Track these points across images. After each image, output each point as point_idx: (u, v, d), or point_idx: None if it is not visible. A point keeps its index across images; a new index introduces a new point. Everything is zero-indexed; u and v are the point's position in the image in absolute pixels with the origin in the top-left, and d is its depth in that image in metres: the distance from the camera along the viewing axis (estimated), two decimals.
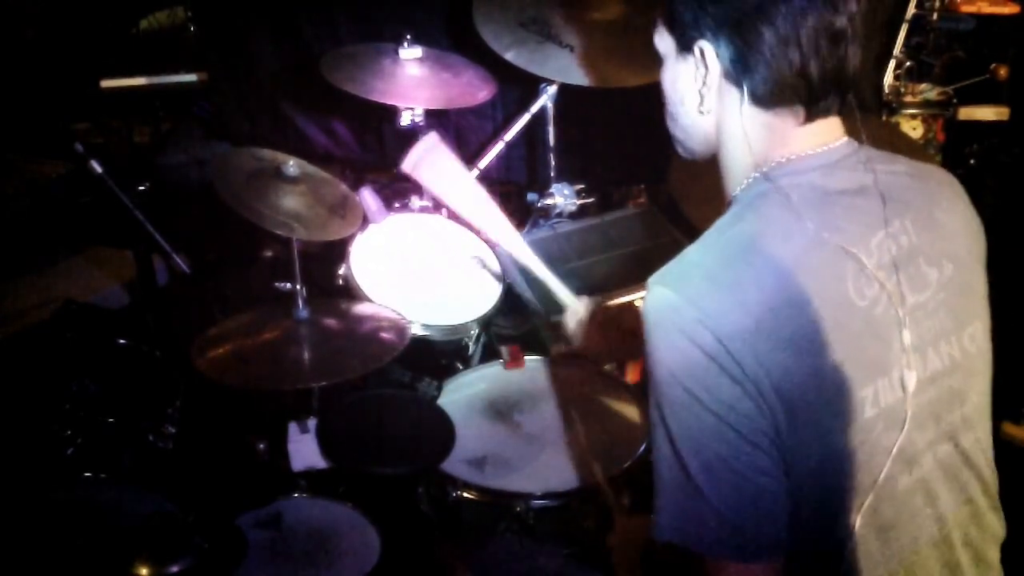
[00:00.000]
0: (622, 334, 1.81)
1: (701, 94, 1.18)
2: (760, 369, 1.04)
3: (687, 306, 1.06)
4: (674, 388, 1.07)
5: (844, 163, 1.17)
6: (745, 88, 1.14)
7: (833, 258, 1.11)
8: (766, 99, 1.14)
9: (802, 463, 1.08)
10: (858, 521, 1.12)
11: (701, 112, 1.20)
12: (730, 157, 1.21)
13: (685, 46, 1.17)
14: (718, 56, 1.14)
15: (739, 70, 1.13)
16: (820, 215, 1.12)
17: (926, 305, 1.17)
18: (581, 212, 2.58)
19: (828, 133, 1.18)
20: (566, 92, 2.56)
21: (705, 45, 1.14)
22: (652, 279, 1.12)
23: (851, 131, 1.21)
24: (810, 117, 1.16)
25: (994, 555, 1.28)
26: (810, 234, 1.10)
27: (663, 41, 1.22)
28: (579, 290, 2.31)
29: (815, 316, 1.07)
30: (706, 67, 1.16)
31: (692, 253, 1.15)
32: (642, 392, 2.08)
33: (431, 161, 1.90)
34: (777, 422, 1.06)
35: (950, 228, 1.23)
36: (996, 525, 1.28)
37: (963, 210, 1.26)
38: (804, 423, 1.07)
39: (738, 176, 1.21)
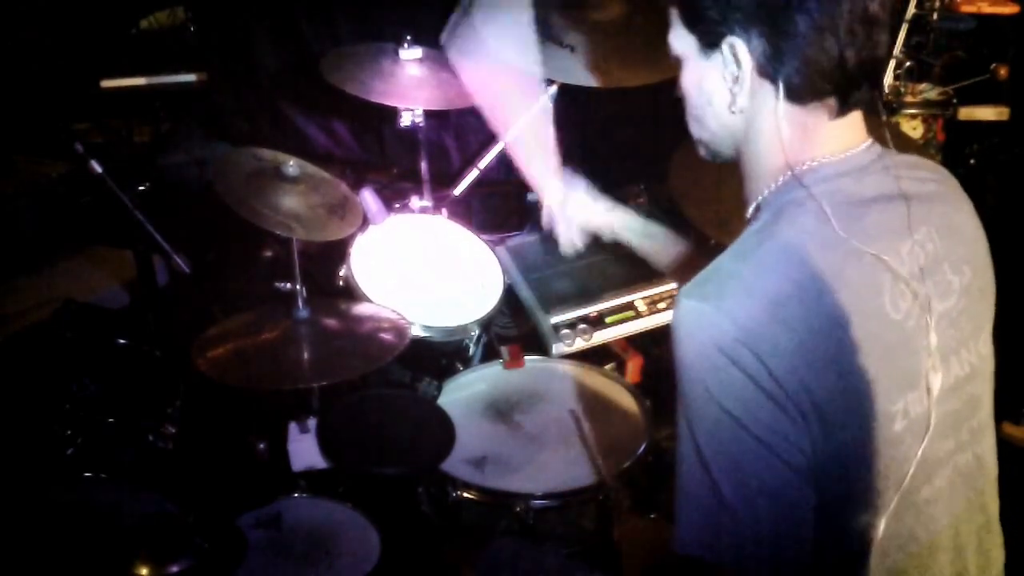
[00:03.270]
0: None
1: (733, 93, 1.13)
2: (801, 388, 1.02)
3: (727, 322, 1.02)
4: (710, 407, 1.04)
5: (872, 168, 1.15)
6: (781, 83, 1.09)
7: (870, 270, 1.09)
8: (802, 92, 1.09)
9: (832, 477, 1.06)
10: (880, 532, 1.10)
11: (732, 112, 1.15)
12: (759, 157, 1.17)
13: (711, 44, 1.12)
14: (750, 51, 1.09)
15: (774, 64, 1.08)
16: (855, 224, 1.09)
17: (950, 313, 1.16)
18: None
19: (855, 134, 1.16)
20: (566, 92, 2.56)
21: (736, 41, 1.09)
22: (684, 291, 1.08)
23: (872, 131, 1.19)
24: (842, 111, 1.12)
25: (999, 558, 1.28)
26: (847, 245, 1.07)
27: (682, 41, 1.17)
28: (579, 290, 2.32)
29: (855, 333, 1.05)
30: (738, 64, 1.11)
31: (726, 263, 1.10)
32: (642, 393, 2.09)
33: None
34: (813, 440, 1.04)
35: (968, 233, 1.22)
36: (1000, 531, 1.28)
37: (974, 214, 1.25)
38: (838, 440, 1.05)
39: (766, 177, 1.16)
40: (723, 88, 1.14)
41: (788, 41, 1.06)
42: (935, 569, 1.17)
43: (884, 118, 1.19)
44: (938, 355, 1.13)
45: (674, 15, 1.17)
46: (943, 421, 1.15)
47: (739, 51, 1.10)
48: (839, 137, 1.15)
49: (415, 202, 2.50)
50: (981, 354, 1.22)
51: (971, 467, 1.21)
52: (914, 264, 1.12)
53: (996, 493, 1.27)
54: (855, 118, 1.16)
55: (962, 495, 1.20)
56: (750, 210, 1.20)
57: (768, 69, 1.09)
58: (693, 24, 1.14)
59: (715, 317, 1.03)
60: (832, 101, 1.11)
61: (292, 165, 2.01)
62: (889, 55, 2.70)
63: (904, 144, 2.45)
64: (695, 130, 1.24)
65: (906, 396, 1.10)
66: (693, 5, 1.13)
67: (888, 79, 2.72)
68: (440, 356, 2.27)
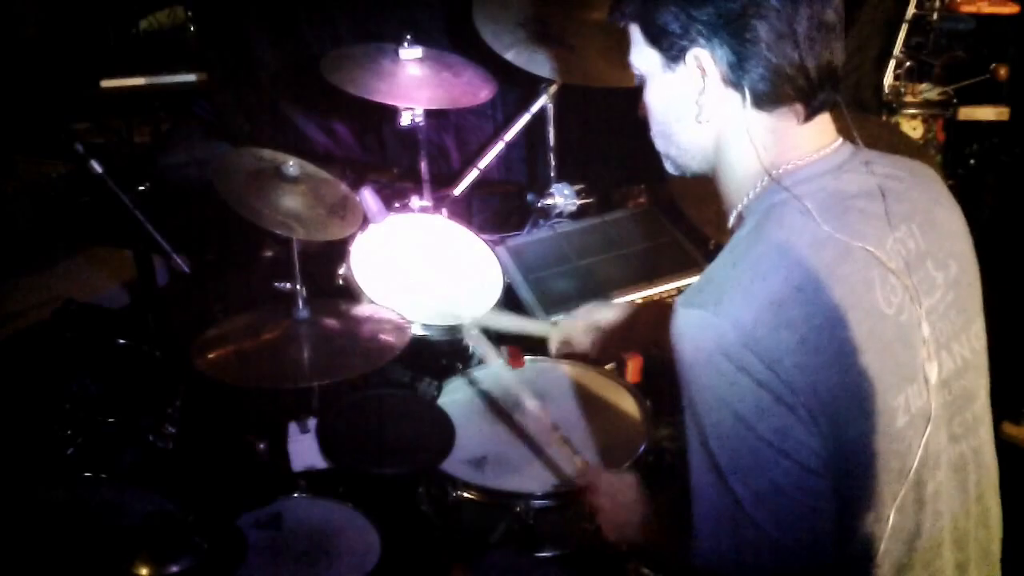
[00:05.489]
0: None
1: (699, 104, 1.15)
2: (809, 388, 1.02)
3: (730, 329, 1.02)
4: (722, 415, 1.04)
5: (849, 166, 1.16)
6: (747, 89, 1.11)
7: (862, 266, 1.09)
8: (768, 98, 1.12)
9: (840, 476, 1.06)
10: (888, 530, 1.10)
11: (700, 123, 1.16)
12: (734, 165, 1.18)
13: (675, 58, 1.14)
14: (715, 61, 1.11)
15: (738, 72, 1.10)
16: (841, 221, 1.10)
17: (937, 307, 1.16)
18: (581, 212, 2.58)
19: (825, 134, 1.18)
20: (566, 92, 2.56)
21: (700, 52, 1.11)
22: (682, 300, 1.08)
23: (842, 131, 1.20)
24: (809, 115, 1.14)
25: (996, 550, 1.28)
26: (837, 242, 1.08)
27: (645, 59, 1.18)
28: (579, 290, 2.32)
29: (853, 330, 1.05)
30: (704, 75, 1.13)
31: (721, 270, 1.11)
32: (642, 393, 2.08)
33: None
34: (824, 440, 1.04)
35: (950, 227, 1.23)
36: (999, 522, 1.28)
37: (956, 207, 1.26)
38: (845, 439, 1.05)
39: (744, 185, 1.18)
40: (689, 100, 1.16)
41: (751, 48, 1.09)
42: (939, 563, 1.18)
43: (849, 120, 1.21)
44: (931, 350, 1.14)
45: (635, 34, 1.18)
46: (940, 414, 1.15)
47: (704, 61, 1.12)
48: (810, 139, 1.16)
49: (415, 202, 2.50)
50: (973, 348, 1.22)
51: (965, 460, 1.21)
52: (899, 260, 1.13)
53: (995, 487, 1.27)
54: (823, 120, 1.17)
55: (959, 488, 1.20)
56: (732, 218, 1.21)
57: (733, 77, 1.11)
58: (656, 40, 1.15)
59: (717, 323, 1.03)
60: (798, 106, 1.13)
61: (292, 165, 2.01)
62: (887, 59, 2.71)
63: (904, 144, 2.45)
64: (662, 146, 1.25)
65: (906, 390, 1.11)
66: (655, 21, 1.14)
67: (888, 79, 2.72)
68: (440, 356, 2.26)
